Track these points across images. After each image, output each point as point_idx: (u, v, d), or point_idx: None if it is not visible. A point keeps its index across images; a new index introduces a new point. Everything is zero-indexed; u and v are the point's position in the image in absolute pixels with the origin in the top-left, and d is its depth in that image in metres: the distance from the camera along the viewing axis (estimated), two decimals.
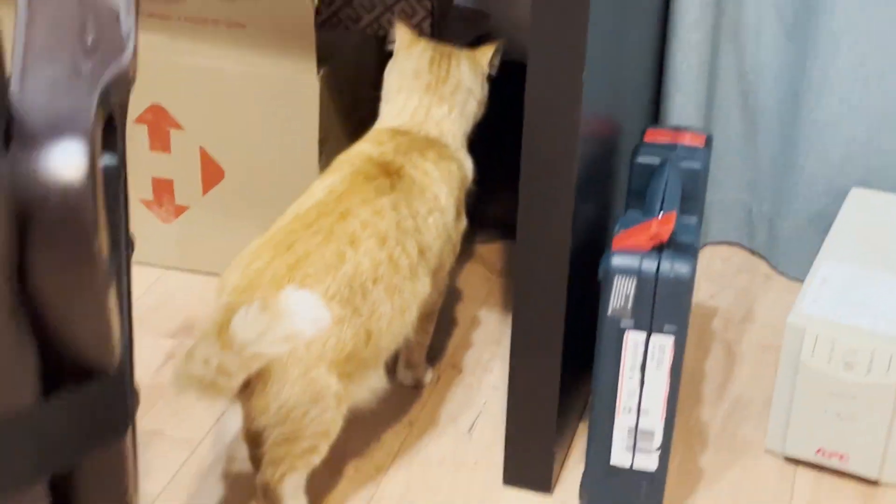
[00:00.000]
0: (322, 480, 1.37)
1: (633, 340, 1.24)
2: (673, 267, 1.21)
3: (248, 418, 1.27)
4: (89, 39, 0.67)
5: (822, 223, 1.69)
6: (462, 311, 1.68)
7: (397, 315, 1.31)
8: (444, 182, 1.40)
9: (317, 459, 1.28)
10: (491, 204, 1.81)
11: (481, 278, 1.76)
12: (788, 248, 1.77)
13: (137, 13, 0.69)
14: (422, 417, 1.49)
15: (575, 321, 1.35)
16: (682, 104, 1.72)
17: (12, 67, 0.65)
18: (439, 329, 1.60)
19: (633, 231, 1.25)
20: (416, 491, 1.38)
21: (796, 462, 1.44)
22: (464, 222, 1.47)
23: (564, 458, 1.43)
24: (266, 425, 1.25)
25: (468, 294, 1.72)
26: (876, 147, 1.67)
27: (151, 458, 1.41)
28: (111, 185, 0.65)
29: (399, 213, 1.32)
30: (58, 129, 0.61)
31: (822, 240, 1.56)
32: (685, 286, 1.22)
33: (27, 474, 0.65)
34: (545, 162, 1.25)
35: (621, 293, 1.23)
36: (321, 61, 1.58)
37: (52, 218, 0.60)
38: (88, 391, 0.66)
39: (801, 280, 1.60)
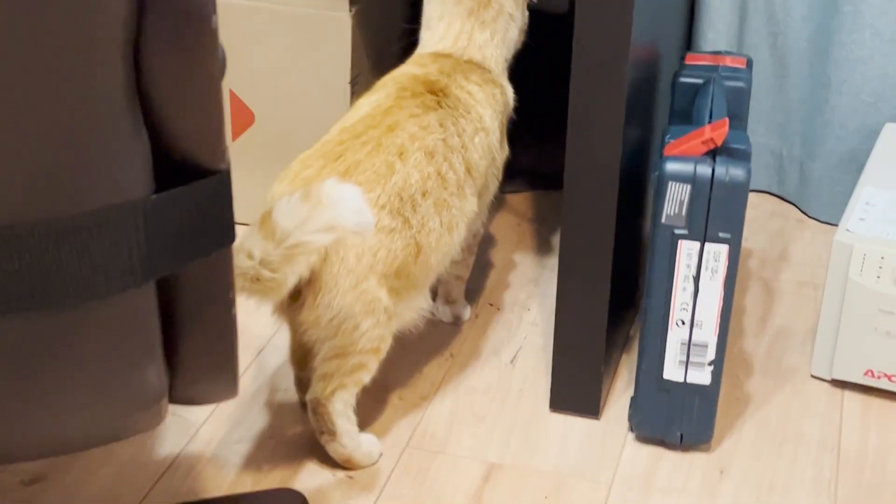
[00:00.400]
0: (367, 409, 1.36)
1: (686, 249, 1.23)
2: (728, 171, 1.20)
3: (297, 333, 1.26)
4: None
5: (855, 164, 1.70)
6: (496, 255, 1.68)
7: (445, 232, 1.29)
8: (489, 104, 1.39)
9: (366, 377, 1.27)
10: (518, 155, 1.81)
11: (513, 225, 1.76)
12: (821, 192, 1.77)
13: None
14: (463, 350, 1.49)
15: (621, 243, 1.34)
16: (714, 40, 1.72)
17: None
18: (476, 271, 1.60)
19: (686, 138, 1.24)
20: (462, 417, 1.37)
21: (844, 385, 1.43)
22: (506, 149, 1.46)
23: (611, 384, 1.43)
24: (316, 339, 1.24)
25: (501, 239, 1.72)
26: None
27: None
28: None
29: (446, 129, 1.31)
30: None
31: (855, 182, 1.56)
32: (741, 191, 1.21)
33: (137, 273, 0.65)
34: (592, 87, 1.24)
35: (675, 199, 1.22)
36: (352, 1, 1.57)
37: None
38: (198, 188, 0.66)
39: (834, 224, 1.60)
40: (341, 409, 1.26)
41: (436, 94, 1.34)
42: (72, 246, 0.63)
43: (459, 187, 1.31)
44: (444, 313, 1.53)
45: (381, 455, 1.32)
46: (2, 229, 0.62)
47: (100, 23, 0.59)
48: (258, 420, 1.35)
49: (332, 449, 1.26)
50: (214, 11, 0.61)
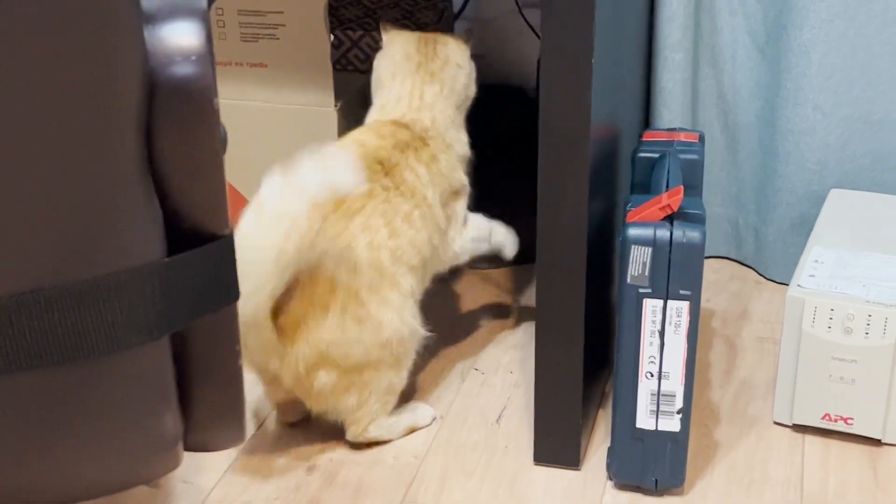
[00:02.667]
0: (362, 467, 1.37)
1: (651, 306, 1.25)
2: (685, 234, 1.22)
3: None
4: None
5: (805, 227, 1.71)
6: (480, 325, 1.69)
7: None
8: (432, 182, 1.40)
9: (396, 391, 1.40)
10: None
11: (494, 297, 1.78)
12: (775, 254, 1.79)
13: None
14: (452, 412, 1.49)
15: (592, 307, 1.36)
16: (669, 119, 1.74)
17: None
18: (461, 339, 1.61)
19: (646, 206, 1.26)
20: (452, 473, 1.37)
21: (804, 429, 1.44)
22: (468, 187, 1.48)
23: (590, 436, 1.43)
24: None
25: (483, 310, 1.73)
26: (850, 152, 1.70)
27: (203, 454, 1.40)
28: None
29: (389, 223, 1.35)
30: (177, 10, 0.64)
31: (805, 243, 1.57)
32: (698, 251, 1.23)
33: (152, 328, 0.66)
34: (560, 164, 1.26)
35: (638, 261, 1.24)
36: (337, 97, 1.60)
37: (179, 80, 0.62)
38: (205, 252, 0.67)
39: (788, 283, 1.62)
40: (381, 433, 1.37)
41: (387, 172, 1.35)
42: (93, 305, 0.64)
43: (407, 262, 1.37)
44: None
45: (433, 417, 1.45)
46: (32, 292, 0.63)
47: (117, 106, 0.61)
48: (263, 484, 1.36)
49: None
50: (216, 94, 0.64)
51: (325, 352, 1.31)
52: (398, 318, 1.34)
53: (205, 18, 0.64)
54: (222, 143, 0.67)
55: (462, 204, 1.48)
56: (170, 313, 0.67)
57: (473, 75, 1.50)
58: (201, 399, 0.72)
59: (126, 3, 0.60)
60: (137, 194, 0.64)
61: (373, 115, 1.47)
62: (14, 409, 0.67)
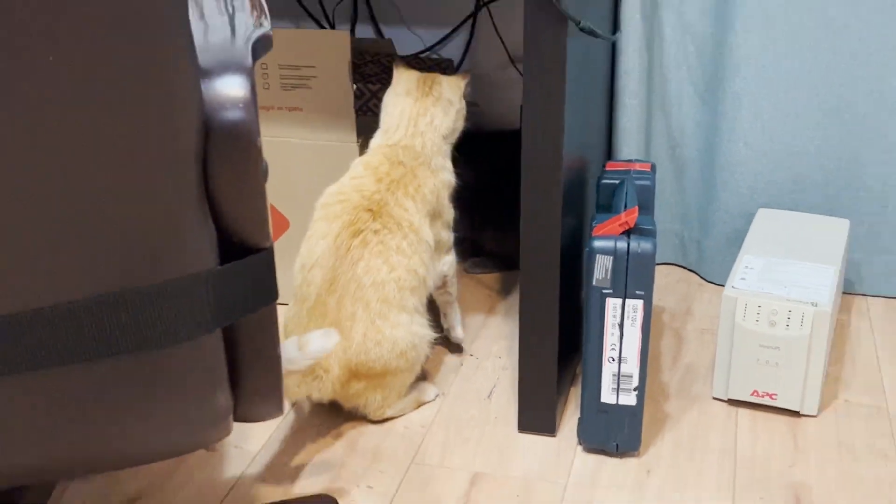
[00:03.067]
0: (378, 435, 1.37)
1: (612, 304, 1.26)
2: (639, 245, 1.23)
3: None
4: (240, 9, 0.70)
5: (738, 240, 1.72)
6: (474, 320, 1.69)
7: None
8: (418, 211, 1.38)
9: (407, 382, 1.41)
10: (486, 244, 1.83)
11: (485, 297, 1.77)
12: (713, 262, 1.79)
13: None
14: (452, 390, 1.49)
15: (565, 305, 1.36)
16: (627, 152, 1.74)
17: (195, 31, 0.67)
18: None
19: (608, 223, 1.27)
20: (452, 439, 1.38)
21: (737, 403, 1.45)
22: (452, 212, 1.46)
23: (563, 410, 1.43)
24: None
25: (477, 308, 1.73)
26: (774, 178, 1.70)
27: (251, 425, 1.40)
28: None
29: (387, 261, 1.34)
30: (228, 67, 0.64)
31: (738, 253, 1.58)
32: (650, 259, 1.23)
33: (209, 322, 0.66)
34: (539, 189, 1.27)
35: (602, 267, 1.24)
36: (358, 135, 1.60)
37: (228, 123, 0.62)
38: (250, 262, 0.67)
39: (724, 286, 1.62)
40: (395, 412, 1.38)
41: (376, 216, 1.34)
42: (160, 304, 0.64)
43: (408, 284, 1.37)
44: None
45: (437, 394, 1.46)
46: (121, 292, 0.63)
47: (179, 143, 0.61)
48: (298, 449, 1.36)
49: None
50: (259, 135, 0.64)
51: (354, 370, 1.32)
52: (409, 333, 1.35)
53: (250, 74, 0.64)
54: (264, 174, 0.67)
55: (447, 232, 1.46)
56: (221, 311, 0.67)
57: (463, 112, 1.47)
58: (247, 380, 0.72)
59: (187, 62, 0.60)
60: (196, 215, 0.64)
61: (377, 138, 1.46)
62: (100, 389, 0.67)
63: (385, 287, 1.33)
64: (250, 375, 0.72)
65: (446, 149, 1.46)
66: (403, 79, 1.46)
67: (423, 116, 1.42)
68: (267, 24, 0.70)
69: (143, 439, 0.70)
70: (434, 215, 1.42)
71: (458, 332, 1.55)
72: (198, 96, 0.62)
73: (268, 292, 0.69)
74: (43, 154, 0.58)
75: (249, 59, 0.65)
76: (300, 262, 1.37)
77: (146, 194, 0.62)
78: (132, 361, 0.67)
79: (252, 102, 0.63)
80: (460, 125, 1.47)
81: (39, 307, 0.62)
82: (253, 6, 0.72)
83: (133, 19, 0.57)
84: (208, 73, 0.64)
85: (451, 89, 1.45)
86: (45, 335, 0.62)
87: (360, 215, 1.34)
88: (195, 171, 0.64)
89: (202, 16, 0.69)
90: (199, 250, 0.65)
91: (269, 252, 0.69)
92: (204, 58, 0.65)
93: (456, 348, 1.60)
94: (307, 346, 1.20)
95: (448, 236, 1.46)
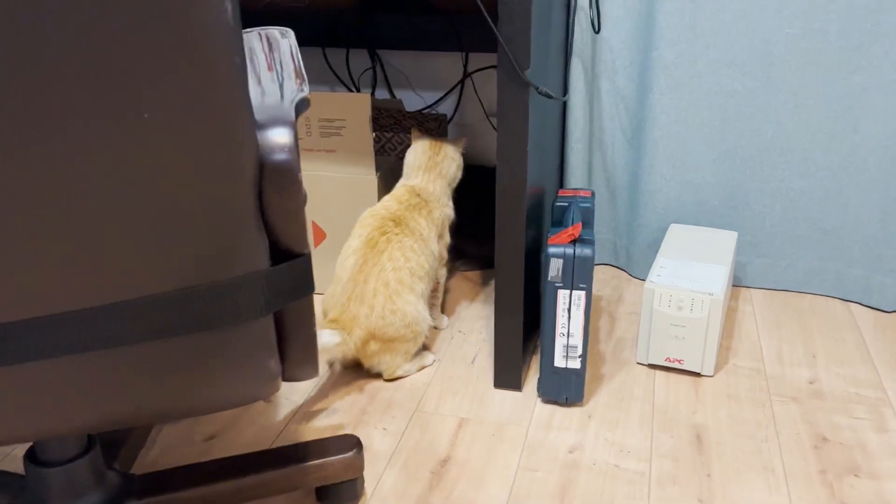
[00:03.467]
0: (389, 391, 1.36)
1: (562, 294, 1.26)
2: (582, 251, 1.23)
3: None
4: (288, 78, 0.70)
5: (655, 246, 1.71)
6: (461, 305, 1.69)
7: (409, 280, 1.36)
8: (427, 226, 1.41)
9: (412, 349, 1.38)
10: (471, 248, 1.83)
11: (469, 288, 1.76)
12: (638, 263, 1.78)
13: (300, 60, 0.72)
14: (446, 357, 1.49)
15: (528, 295, 1.36)
16: (574, 182, 1.74)
17: (254, 94, 0.68)
18: (452, 314, 1.60)
19: (559, 235, 1.27)
20: (445, 394, 1.37)
21: (655, 367, 1.44)
22: (447, 239, 1.47)
23: (527, 372, 1.43)
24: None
25: (463, 297, 1.72)
26: (682, 202, 1.70)
27: (295, 384, 1.40)
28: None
29: (404, 253, 1.35)
30: (277, 121, 0.64)
31: (655, 256, 1.58)
32: (589, 261, 1.24)
33: (263, 308, 0.66)
34: (509, 209, 1.27)
35: (555, 267, 1.24)
36: (377, 169, 1.60)
37: (278, 162, 0.62)
38: (293, 264, 0.67)
39: (645, 280, 1.61)
40: (402, 373, 1.35)
41: (398, 224, 1.37)
42: (231, 293, 0.64)
43: (418, 268, 1.37)
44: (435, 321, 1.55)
45: (434, 360, 1.42)
46: (198, 287, 0.63)
47: (241, 177, 0.61)
48: (332, 400, 1.35)
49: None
50: (300, 171, 0.64)
51: (372, 333, 1.32)
52: (415, 310, 1.35)
53: (293, 127, 0.64)
54: (304, 199, 0.67)
55: (446, 252, 1.48)
56: (272, 299, 0.67)
57: (461, 165, 1.51)
58: (291, 350, 0.72)
59: (246, 121, 0.60)
60: (253, 228, 0.64)
61: (401, 181, 1.49)
62: (182, 357, 0.67)
63: (401, 272, 1.33)
64: (293, 347, 0.71)
65: (449, 192, 1.48)
66: (420, 142, 1.49)
67: (434, 169, 1.45)
68: (306, 90, 0.71)
69: (217, 392, 0.69)
70: (439, 236, 1.44)
71: (437, 324, 1.56)
72: (255, 142, 0.62)
73: (307, 286, 0.69)
74: (146, 187, 0.58)
75: (293, 116, 0.65)
76: (341, 257, 1.38)
77: (217, 215, 0.62)
78: (206, 336, 0.67)
79: (294, 147, 0.63)
80: (459, 175, 1.50)
81: (138, 296, 0.62)
82: (297, 76, 0.72)
83: (211, 92, 0.57)
84: (263, 126, 0.64)
85: (453, 150, 1.48)
86: (139, 317, 0.62)
87: (387, 223, 1.36)
88: (253, 196, 0.64)
89: (259, 82, 0.69)
90: (256, 255, 0.65)
91: (308, 257, 0.69)
92: (259, 114, 0.65)
93: (449, 325, 1.59)
94: (319, 338, 1.21)
95: (445, 255, 1.48)
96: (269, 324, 0.69)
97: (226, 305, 0.65)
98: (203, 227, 0.62)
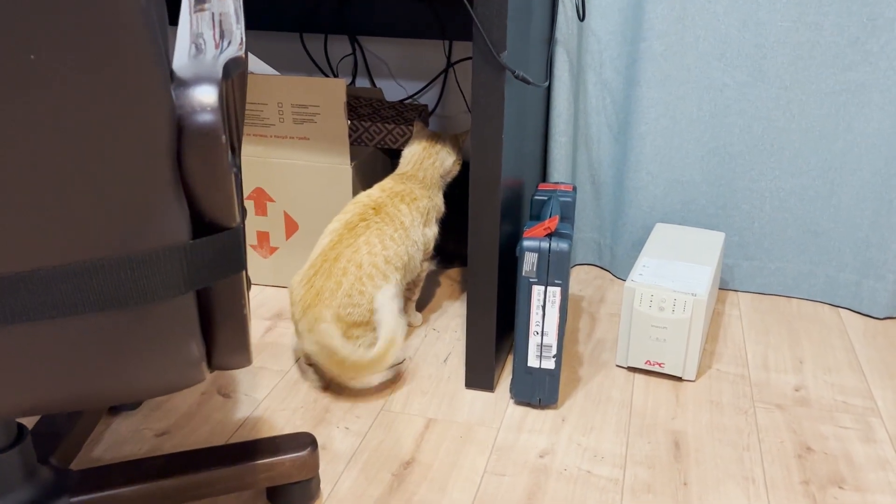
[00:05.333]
0: (357, 389, 1.32)
1: (537, 290, 1.21)
2: (558, 245, 1.18)
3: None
4: (218, 34, 0.64)
5: (639, 246, 1.67)
6: (437, 301, 1.64)
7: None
8: (411, 215, 1.37)
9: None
10: (450, 244, 1.78)
11: (447, 285, 1.72)
12: (622, 263, 1.74)
13: (243, 21, 0.67)
14: (417, 355, 1.44)
15: (502, 291, 1.31)
16: (557, 176, 1.69)
17: (174, 48, 0.63)
18: (425, 311, 1.56)
19: (535, 228, 1.22)
20: (414, 393, 1.32)
21: (634, 370, 1.39)
22: (435, 229, 1.43)
23: (500, 372, 1.38)
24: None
25: (440, 294, 1.68)
26: (668, 200, 1.65)
27: (259, 379, 1.34)
28: (228, 115, 0.62)
29: (382, 240, 1.31)
30: (201, 79, 0.59)
31: (638, 255, 1.53)
32: (566, 256, 1.19)
33: (182, 286, 0.61)
34: (483, 202, 1.22)
35: (530, 262, 1.19)
36: (352, 159, 1.55)
37: (199, 123, 0.57)
38: (218, 237, 0.62)
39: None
40: (364, 385, 1.29)
41: (378, 212, 1.33)
42: (143, 269, 0.59)
43: (395, 256, 1.32)
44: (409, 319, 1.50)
45: (404, 358, 1.37)
46: (103, 259, 0.58)
47: (159, 144, 0.56)
48: (294, 397, 1.30)
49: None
50: (224, 133, 0.58)
51: (335, 313, 1.25)
52: (384, 298, 1.29)
53: (219, 84, 0.59)
54: (234, 168, 0.61)
55: (432, 243, 1.43)
56: (192, 277, 0.62)
57: (459, 161, 1.47)
58: (220, 334, 0.67)
59: (158, 74, 0.55)
60: (170, 197, 0.59)
61: (398, 170, 1.46)
62: (91, 337, 0.62)
63: (376, 257, 1.29)
64: (222, 331, 0.66)
65: (441, 185, 1.45)
66: (421, 135, 1.47)
67: (428, 159, 1.43)
68: (241, 51, 0.65)
69: (135, 378, 0.64)
70: (424, 225, 1.40)
71: (411, 320, 1.52)
72: (169, 98, 0.56)
73: (236, 263, 0.63)
74: (36, 142, 0.53)
75: (220, 73, 0.59)
76: (319, 240, 1.34)
77: (126, 180, 0.57)
78: (119, 316, 0.61)
79: (219, 108, 0.58)
80: (456, 171, 1.47)
81: (34, 267, 0.56)
82: (235, 34, 0.66)
83: (114, 38, 0.52)
84: (186, 83, 0.58)
85: (450, 145, 1.46)
86: (40, 291, 0.57)
87: (367, 210, 1.34)
88: (168, 161, 0.58)
89: (197, 44, 0.64)
90: (174, 226, 0.60)
91: (237, 230, 0.63)
92: (184, 72, 0.59)
93: (423, 322, 1.54)
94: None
95: (430, 247, 1.43)
96: (191, 304, 0.63)
97: (138, 281, 0.59)
98: (108, 193, 0.57)
